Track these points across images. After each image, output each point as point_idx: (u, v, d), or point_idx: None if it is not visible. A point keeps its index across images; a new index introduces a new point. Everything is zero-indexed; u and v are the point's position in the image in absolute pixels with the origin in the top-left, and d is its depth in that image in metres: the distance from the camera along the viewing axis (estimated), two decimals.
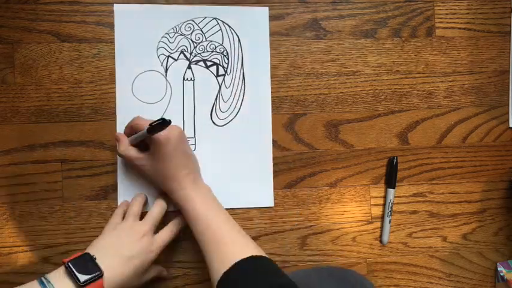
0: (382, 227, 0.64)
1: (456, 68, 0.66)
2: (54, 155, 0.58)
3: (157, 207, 0.56)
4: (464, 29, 0.66)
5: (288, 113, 0.62)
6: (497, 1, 0.66)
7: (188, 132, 0.60)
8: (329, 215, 0.63)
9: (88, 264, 0.47)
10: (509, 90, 0.67)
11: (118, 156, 0.58)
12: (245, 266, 0.47)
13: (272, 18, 0.62)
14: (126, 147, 0.55)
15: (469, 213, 0.66)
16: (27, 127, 0.58)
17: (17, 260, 0.57)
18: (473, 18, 0.66)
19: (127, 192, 0.59)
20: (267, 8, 0.61)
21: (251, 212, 0.61)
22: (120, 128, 0.59)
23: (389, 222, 0.63)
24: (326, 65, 0.63)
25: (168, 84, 0.60)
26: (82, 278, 0.45)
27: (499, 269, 0.65)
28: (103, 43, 0.59)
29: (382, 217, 0.64)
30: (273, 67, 0.62)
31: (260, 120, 0.61)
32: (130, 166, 0.58)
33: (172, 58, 0.60)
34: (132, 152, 0.54)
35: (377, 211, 0.64)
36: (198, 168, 0.58)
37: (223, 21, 0.61)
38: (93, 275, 0.46)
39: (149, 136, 0.51)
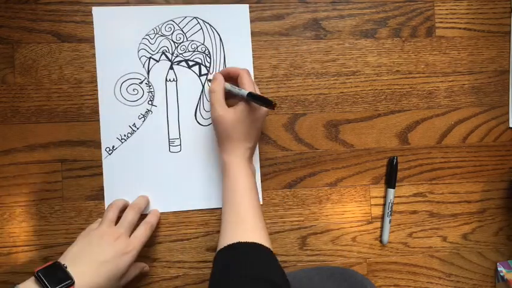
0: (382, 227, 0.64)
1: (456, 68, 0.66)
2: (54, 155, 0.58)
3: (131, 211, 0.56)
4: (464, 29, 0.66)
5: (288, 113, 0.62)
6: (497, 1, 0.66)
7: (172, 133, 0.60)
8: (329, 215, 0.63)
9: (58, 273, 0.46)
10: (509, 90, 0.67)
11: (104, 160, 0.58)
12: (244, 249, 0.48)
13: (272, 18, 0.62)
14: (219, 88, 0.56)
15: (469, 213, 0.66)
16: (27, 127, 0.58)
17: (17, 260, 0.57)
18: (473, 18, 0.66)
19: (114, 196, 0.59)
20: (247, 6, 0.61)
21: None
22: (104, 129, 0.59)
23: (390, 222, 0.63)
24: (326, 65, 0.63)
25: (150, 85, 0.60)
26: (52, 287, 0.45)
27: (499, 269, 0.65)
28: None
29: (382, 217, 0.64)
30: (273, 67, 0.62)
31: None
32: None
33: (154, 59, 0.60)
34: (220, 96, 0.55)
35: (377, 211, 0.64)
36: (255, 149, 0.59)
37: (203, 20, 0.60)
38: (63, 284, 0.45)
39: (244, 98, 0.53)
